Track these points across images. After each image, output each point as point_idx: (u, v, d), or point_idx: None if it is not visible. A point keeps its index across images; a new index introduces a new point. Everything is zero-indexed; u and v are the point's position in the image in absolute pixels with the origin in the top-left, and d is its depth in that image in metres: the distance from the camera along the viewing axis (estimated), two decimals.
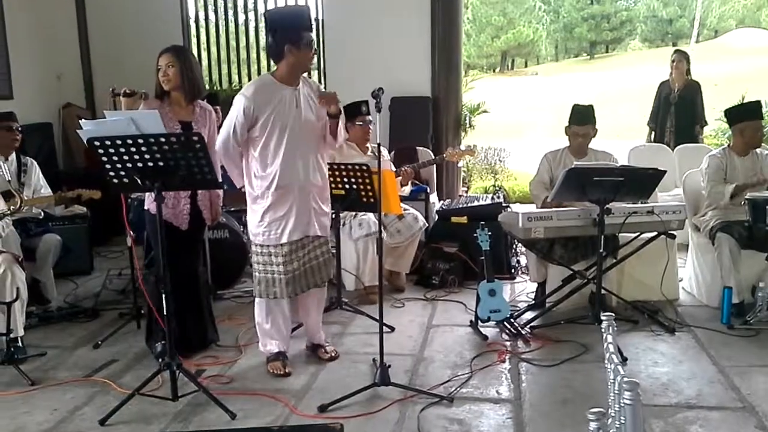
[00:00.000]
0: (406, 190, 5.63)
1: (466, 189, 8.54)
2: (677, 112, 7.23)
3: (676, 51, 7.53)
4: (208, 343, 4.23)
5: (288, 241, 3.75)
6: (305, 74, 3.93)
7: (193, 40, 8.31)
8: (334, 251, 4.60)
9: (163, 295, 3.41)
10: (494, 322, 4.41)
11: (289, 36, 3.63)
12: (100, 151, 3.18)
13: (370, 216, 5.08)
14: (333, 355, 4.06)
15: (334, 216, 4.72)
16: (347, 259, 5.12)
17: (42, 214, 5.23)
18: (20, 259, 4.27)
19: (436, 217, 5.87)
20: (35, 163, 5.36)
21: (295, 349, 4.15)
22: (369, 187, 4.37)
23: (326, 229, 3.94)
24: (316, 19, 7.90)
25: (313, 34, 3.75)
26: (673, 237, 4.57)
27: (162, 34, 7.09)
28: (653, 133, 7.51)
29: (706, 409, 3.35)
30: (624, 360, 3.87)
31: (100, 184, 4.70)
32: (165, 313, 3.43)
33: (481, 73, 36.41)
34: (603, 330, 1.84)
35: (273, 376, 3.83)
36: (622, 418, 1.52)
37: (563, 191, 4.23)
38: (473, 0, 39.64)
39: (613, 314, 1.93)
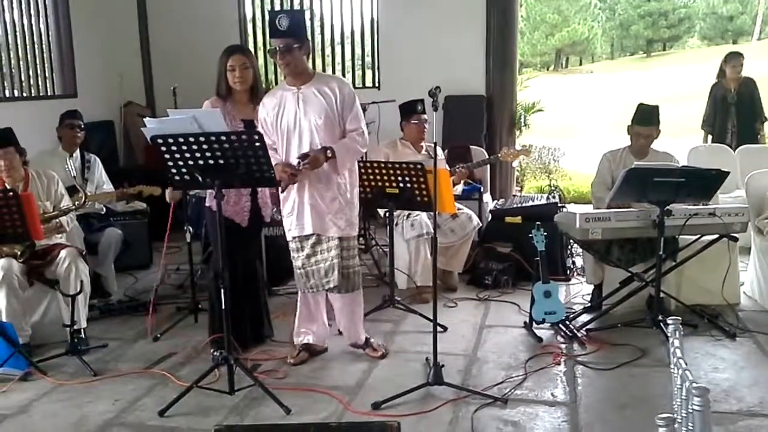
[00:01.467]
0: (459, 189, 5.62)
1: (519, 188, 8.45)
2: (738, 112, 7.03)
3: (731, 53, 7.29)
4: (263, 338, 4.28)
5: (297, 236, 3.87)
6: (319, 70, 3.92)
7: (250, 40, 8.41)
8: (379, 253, 4.60)
9: (222, 290, 3.46)
10: (549, 324, 4.37)
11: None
12: (163, 148, 3.25)
13: (423, 216, 5.07)
14: (381, 352, 4.06)
15: (387, 215, 4.75)
16: (399, 259, 5.12)
17: (104, 209, 5.40)
18: (83, 253, 4.40)
19: (490, 216, 5.83)
20: (98, 159, 5.53)
21: (346, 346, 4.17)
22: (423, 186, 4.36)
23: (332, 230, 3.82)
24: (371, 18, 7.94)
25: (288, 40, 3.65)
26: (735, 240, 4.45)
27: (219, 35, 7.22)
28: (709, 136, 7.29)
29: None
30: (685, 365, 3.78)
31: (160, 180, 4.84)
32: (223, 307, 3.49)
33: (535, 71, 35.99)
34: (669, 334, 1.80)
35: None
36: (690, 424, 1.49)
37: (623, 192, 4.16)
38: None
39: (679, 318, 1.89)
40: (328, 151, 3.69)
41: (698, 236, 4.45)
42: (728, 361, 3.92)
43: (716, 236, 4.39)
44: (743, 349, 4.09)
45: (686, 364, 3.68)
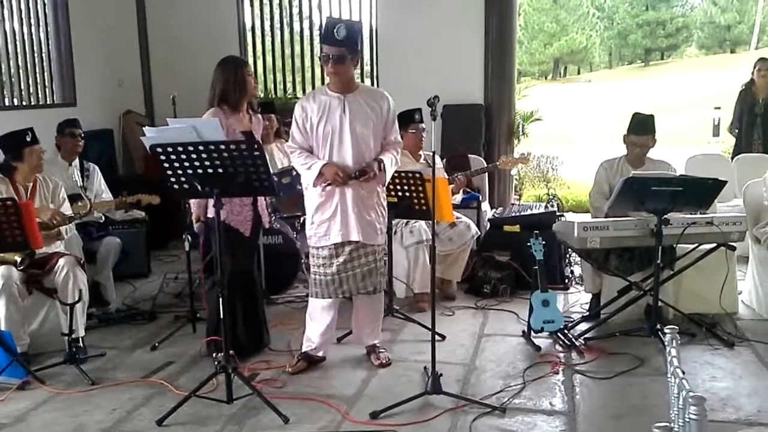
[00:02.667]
0: (457, 198, 5.62)
1: (518, 197, 8.46)
2: (764, 123, 6.90)
3: (761, 59, 7.14)
4: (262, 347, 4.28)
5: (331, 244, 3.86)
6: (363, 83, 3.99)
7: (249, 49, 8.45)
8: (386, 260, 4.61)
9: (221, 299, 3.46)
10: (547, 333, 4.37)
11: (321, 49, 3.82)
12: (162, 157, 3.27)
13: (422, 224, 5.08)
14: (384, 362, 4.07)
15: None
16: (398, 267, 5.12)
17: (103, 218, 5.40)
18: (82, 262, 4.40)
19: (488, 225, 5.84)
20: (97, 168, 5.54)
21: (347, 354, 4.18)
22: (422, 195, 4.37)
23: (373, 238, 3.90)
24: (370, 26, 7.97)
25: (336, 48, 3.71)
26: (733, 249, 4.45)
27: (219, 43, 7.25)
28: (737, 142, 7.22)
29: (767, 426, 3.25)
30: (682, 374, 3.79)
31: (158, 189, 4.85)
32: (222, 316, 3.49)
33: (533, 80, 36.09)
34: (666, 343, 1.81)
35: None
36: None
37: (620, 201, 4.17)
38: (525, 7, 39.35)
39: (676, 327, 1.90)
40: (382, 165, 3.83)
41: (696, 245, 4.46)
42: (726, 370, 3.92)
43: (714, 245, 4.40)
44: (741, 358, 4.09)
45: (683, 373, 3.70)
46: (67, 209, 4.54)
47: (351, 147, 3.80)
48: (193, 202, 4.18)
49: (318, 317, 4.03)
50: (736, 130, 7.19)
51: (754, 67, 7.02)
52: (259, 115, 4.28)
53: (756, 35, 35.05)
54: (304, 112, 3.87)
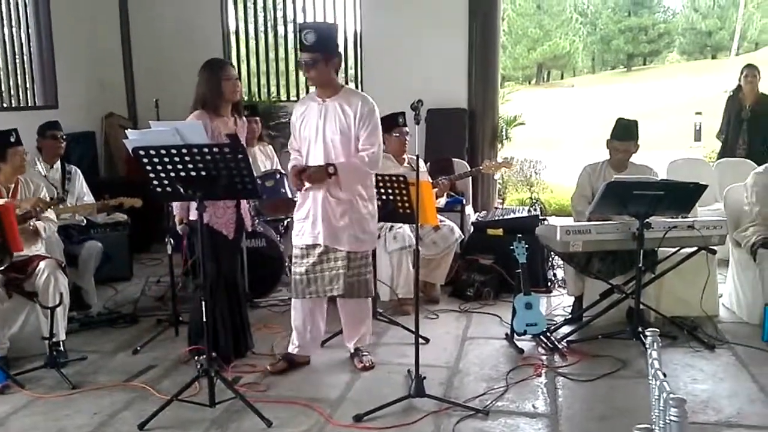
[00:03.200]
0: (441, 201, 5.63)
1: (501, 201, 8.49)
2: (750, 129, 6.96)
3: (748, 65, 7.19)
4: (245, 351, 4.27)
5: (303, 244, 3.91)
6: (349, 86, 3.99)
7: (233, 53, 8.42)
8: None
9: (203, 303, 3.45)
10: (530, 336, 4.39)
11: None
12: (145, 160, 3.25)
13: (406, 229, 5.09)
14: (367, 365, 4.07)
15: None
16: (382, 271, 5.12)
17: (84, 221, 5.37)
18: (63, 265, 4.37)
19: (472, 228, 5.86)
20: (79, 171, 5.49)
21: (331, 358, 4.18)
22: (406, 198, 4.37)
23: (342, 243, 3.84)
24: (354, 31, 7.98)
25: (307, 54, 3.72)
26: (714, 252, 4.50)
27: (203, 47, 7.23)
28: (723, 147, 7.28)
29: (747, 427, 3.29)
30: (663, 376, 3.81)
31: (141, 192, 4.83)
32: (204, 319, 3.47)
33: (517, 85, 36.26)
34: (647, 345, 1.82)
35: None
36: None
37: (603, 205, 4.20)
38: (509, 12, 39.58)
39: (657, 330, 1.91)
40: (330, 168, 3.73)
41: (677, 249, 4.49)
42: (707, 372, 3.96)
43: (695, 249, 4.44)
44: (722, 360, 4.13)
45: (664, 375, 3.72)
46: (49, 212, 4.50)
47: (322, 152, 3.81)
48: (175, 204, 4.15)
49: (294, 316, 4.08)
50: (723, 136, 7.25)
51: (741, 74, 7.08)
52: (245, 119, 4.26)
53: (736, 41, 35.51)
54: (294, 115, 3.96)
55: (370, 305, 4.22)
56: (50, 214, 4.49)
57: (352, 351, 4.18)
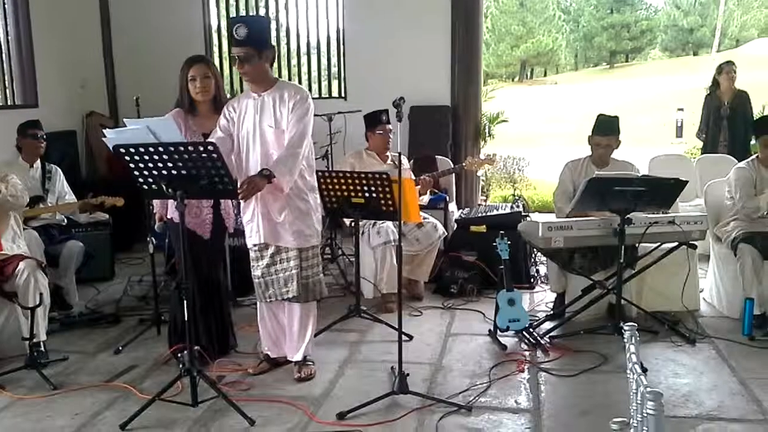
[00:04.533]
0: (425, 199, 5.64)
1: (484, 198, 8.52)
2: (730, 125, 7.02)
3: (725, 62, 7.28)
4: (228, 349, 4.25)
5: (253, 245, 3.85)
6: (283, 79, 3.89)
7: (215, 50, 8.39)
8: (344, 263, 4.59)
9: (184, 302, 3.43)
10: (513, 332, 4.40)
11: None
12: (126, 158, 3.23)
13: (389, 224, 5.08)
14: (303, 375, 3.88)
15: (352, 224, 4.76)
16: (365, 267, 5.13)
17: (65, 220, 5.32)
18: (43, 265, 4.33)
19: (455, 225, 5.87)
20: (59, 170, 5.44)
21: (314, 356, 4.15)
22: (389, 196, 4.37)
23: (283, 239, 3.75)
24: (337, 28, 7.97)
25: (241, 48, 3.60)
26: (695, 247, 4.54)
27: (184, 44, 7.18)
28: (704, 145, 7.34)
29: (728, 421, 3.32)
30: (644, 370, 3.82)
31: (123, 191, 4.80)
32: (185, 319, 3.45)
33: (500, 82, 36.36)
34: (625, 340, 1.84)
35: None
36: (644, 428, 1.51)
37: (584, 201, 4.22)
38: (492, 9, 39.68)
39: (636, 324, 1.93)
40: (264, 171, 3.52)
41: (658, 244, 4.53)
42: (688, 366, 3.99)
43: (676, 244, 4.47)
44: (703, 354, 4.16)
45: (644, 369, 3.76)
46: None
47: (259, 147, 3.70)
48: (155, 201, 4.10)
49: (259, 319, 4.02)
50: (704, 135, 7.29)
51: (720, 70, 7.12)
52: None
53: (717, 38, 35.81)
54: (227, 112, 3.79)
55: (315, 311, 3.99)
56: (12, 177, 4.39)
57: (299, 360, 3.94)
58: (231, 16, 8.31)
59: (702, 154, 7.29)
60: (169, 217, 3.98)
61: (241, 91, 8.25)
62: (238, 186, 3.43)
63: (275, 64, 3.84)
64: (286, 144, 3.62)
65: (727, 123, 7.01)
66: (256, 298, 3.96)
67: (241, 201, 3.65)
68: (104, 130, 3.42)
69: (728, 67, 7.08)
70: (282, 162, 3.57)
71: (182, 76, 3.90)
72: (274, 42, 3.91)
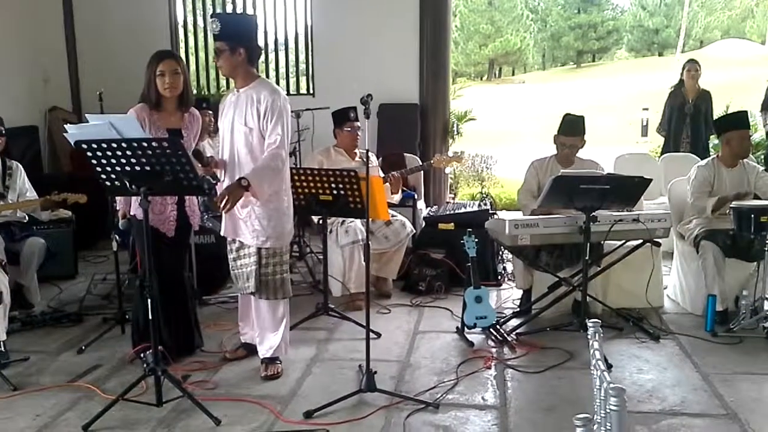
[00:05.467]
0: (396, 198, 5.63)
1: (453, 196, 8.55)
2: (693, 123, 7.09)
3: (689, 60, 7.36)
4: (193, 348, 4.20)
5: (227, 240, 3.96)
6: (265, 78, 3.92)
7: (181, 45, 8.29)
8: (313, 261, 4.57)
9: (148, 300, 3.38)
10: (480, 329, 4.42)
11: None
12: (89, 154, 3.18)
13: (357, 223, 5.07)
14: (269, 374, 3.86)
15: (320, 222, 4.73)
16: (333, 266, 5.10)
17: (26, 218, 5.20)
18: (4, 263, 4.24)
19: (424, 223, 5.87)
20: (20, 166, 5.32)
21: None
22: (357, 193, 4.36)
23: (244, 236, 3.80)
24: (305, 25, 7.94)
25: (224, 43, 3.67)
26: (658, 245, 4.60)
27: (150, 38, 7.09)
28: (666, 141, 7.40)
29: (690, 416, 3.37)
30: (609, 367, 3.89)
31: (86, 188, 4.71)
32: (150, 317, 3.41)
33: (468, 81, 36.51)
34: (589, 337, 1.85)
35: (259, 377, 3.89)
36: (608, 424, 1.53)
37: (550, 199, 4.25)
38: (461, 8, 39.83)
39: (599, 321, 1.94)
40: (243, 181, 3.53)
41: (623, 241, 4.58)
42: (652, 362, 4.05)
43: (640, 241, 4.53)
44: (666, 350, 4.23)
45: (610, 365, 3.80)
46: None
47: (229, 143, 3.81)
48: (119, 198, 4.04)
49: (239, 308, 4.16)
50: (665, 132, 7.38)
51: (683, 68, 7.22)
52: (197, 112, 4.09)
53: (682, 39, 36.36)
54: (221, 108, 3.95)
55: (286, 311, 3.94)
56: None
57: (266, 358, 3.93)
58: (198, 10, 8.24)
59: (663, 150, 7.37)
60: (132, 213, 3.92)
61: (208, 89, 8.21)
62: (216, 199, 3.56)
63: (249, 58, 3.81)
64: (265, 153, 3.65)
65: (690, 121, 7.11)
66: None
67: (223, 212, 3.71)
68: (66, 126, 3.35)
69: (691, 65, 7.18)
70: (260, 174, 3.59)
71: (150, 71, 3.82)
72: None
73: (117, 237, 4.58)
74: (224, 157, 3.84)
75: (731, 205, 4.45)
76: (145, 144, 3.14)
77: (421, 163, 6.46)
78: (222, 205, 3.49)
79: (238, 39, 3.70)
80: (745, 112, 5.22)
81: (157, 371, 3.39)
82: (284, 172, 3.82)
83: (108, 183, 3.31)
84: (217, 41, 3.69)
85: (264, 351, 3.94)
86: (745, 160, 4.93)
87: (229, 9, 8.27)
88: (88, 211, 5.15)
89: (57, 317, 4.87)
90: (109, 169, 3.23)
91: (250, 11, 8.18)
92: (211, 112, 5.66)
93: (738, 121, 4.96)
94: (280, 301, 3.89)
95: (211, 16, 3.78)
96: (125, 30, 7.67)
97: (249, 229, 3.77)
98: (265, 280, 3.80)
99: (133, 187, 3.25)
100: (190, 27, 8.47)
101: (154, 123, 3.81)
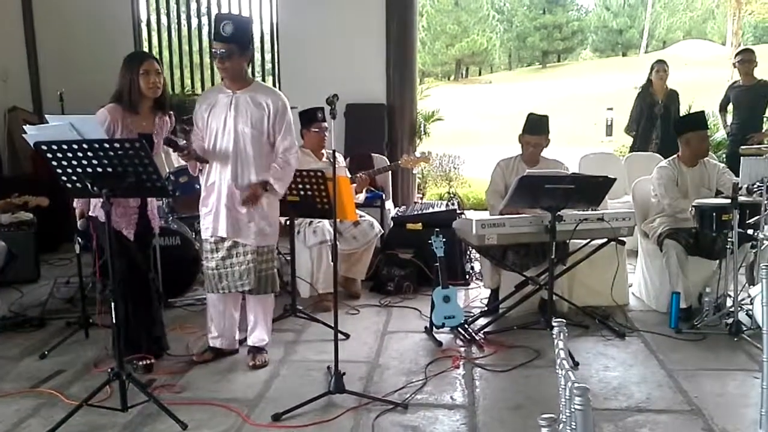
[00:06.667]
0: (361, 197, 5.63)
1: (421, 196, 8.57)
2: (663, 124, 7.09)
3: (658, 61, 7.36)
4: (160, 352, 4.14)
5: (210, 238, 3.92)
6: (258, 80, 3.96)
7: (145, 44, 8.18)
8: (280, 262, 4.56)
9: (112, 303, 3.32)
10: (449, 328, 4.44)
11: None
12: (49, 155, 3.11)
13: (325, 223, 5.05)
14: (258, 363, 4.01)
15: (287, 223, 4.71)
16: (301, 267, 5.08)
17: None
18: None
19: (392, 223, 5.88)
20: None
21: (247, 357, 4.10)
22: (324, 194, 4.35)
23: (245, 236, 3.88)
24: (271, 23, 7.89)
25: (224, 45, 3.72)
26: (623, 243, 4.66)
27: (113, 37, 6.99)
28: (634, 141, 7.41)
29: (655, 412, 3.41)
30: (575, 365, 3.93)
31: (48, 190, 4.62)
32: (114, 321, 3.35)
33: (435, 81, 36.66)
34: (554, 336, 1.86)
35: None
36: (573, 423, 1.54)
37: (516, 199, 4.27)
38: (428, 8, 39.95)
39: (565, 320, 1.96)
40: (267, 186, 3.82)
41: (588, 240, 4.63)
42: (618, 359, 4.09)
43: (605, 240, 4.58)
44: (632, 347, 4.28)
45: (576, 363, 3.84)
46: None
47: (232, 143, 3.82)
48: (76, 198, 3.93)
49: (210, 310, 4.10)
50: (633, 132, 7.42)
51: (652, 69, 7.20)
52: (167, 117, 4.00)
53: (645, 39, 36.92)
54: (199, 105, 3.94)
55: (272, 301, 4.17)
56: None
57: (253, 347, 4.11)
58: (162, 9, 8.14)
59: (631, 151, 7.41)
60: (93, 214, 3.82)
61: (173, 87, 8.10)
62: (243, 199, 3.79)
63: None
64: (284, 159, 3.87)
65: (661, 122, 7.13)
66: (206, 289, 4.02)
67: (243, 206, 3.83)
68: (25, 127, 3.28)
69: (659, 65, 7.19)
70: (279, 174, 3.86)
71: (130, 71, 3.72)
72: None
73: (80, 240, 4.50)
74: (221, 156, 3.85)
75: (693, 204, 4.52)
76: (107, 145, 3.09)
77: (389, 163, 6.46)
78: (245, 204, 3.78)
79: (247, 42, 3.80)
80: (703, 112, 5.30)
81: (122, 375, 3.34)
82: None
83: (69, 185, 3.25)
84: (228, 43, 3.70)
85: (254, 341, 4.09)
86: (705, 158, 5.01)
87: (193, 8, 8.18)
88: (50, 213, 5.06)
89: (18, 322, 4.77)
90: (69, 170, 3.17)
91: (214, 10, 8.11)
92: (171, 113, 5.57)
93: (697, 122, 5.03)
94: (269, 295, 4.04)
95: (221, 17, 3.75)
96: (88, 28, 7.54)
97: (252, 230, 3.87)
98: (260, 276, 3.93)
99: (95, 188, 3.19)
100: (154, 26, 8.35)
101: (127, 126, 3.73)
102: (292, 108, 6.01)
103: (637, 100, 7.35)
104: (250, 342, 4.12)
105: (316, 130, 5.32)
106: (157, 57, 8.11)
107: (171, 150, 4.52)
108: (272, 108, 3.82)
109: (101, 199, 3.21)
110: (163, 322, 4.25)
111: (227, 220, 3.85)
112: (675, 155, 5.08)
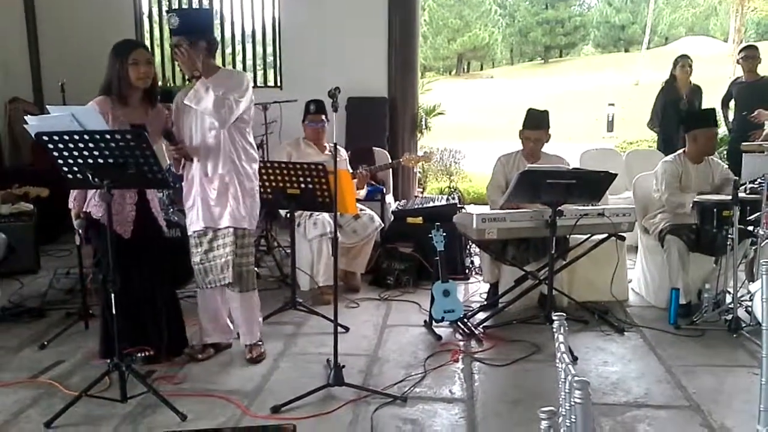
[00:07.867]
0: (362, 193, 5.62)
1: (421, 190, 8.57)
2: None
3: (682, 56, 7.24)
4: (181, 349, 4.05)
5: (193, 232, 3.89)
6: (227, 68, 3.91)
7: (146, 36, 8.16)
8: (281, 254, 4.54)
9: (112, 295, 3.32)
10: (448, 322, 4.44)
11: None
12: (50, 146, 3.11)
13: (325, 216, 5.05)
14: (254, 356, 4.00)
15: (288, 216, 4.70)
16: (302, 260, 5.09)
17: None
18: None
19: (392, 217, 5.87)
20: None
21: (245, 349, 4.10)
22: (324, 187, 4.34)
23: (216, 221, 3.80)
24: (273, 17, 7.87)
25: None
26: (623, 239, 4.66)
27: (114, 29, 6.94)
28: (660, 137, 7.27)
29: (654, 407, 3.42)
30: (574, 359, 3.94)
31: (47, 181, 4.62)
32: (114, 312, 3.35)
33: (437, 75, 36.63)
34: (554, 330, 1.86)
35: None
36: (572, 416, 1.54)
37: (517, 193, 4.27)
38: (430, 2, 39.90)
39: (564, 314, 1.96)
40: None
41: (588, 235, 4.63)
42: (617, 354, 4.10)
43: (605, 235, 4.58)
44: (631, 343, 4.28)
45: (575, 358, 3.84)
46: None
47: (200, 136, 3.81)
48: (71, 197, 3.83)
49: (200, 307, 4.08)
50: (657, 128, 7.28)
51: (675, 63, 7.08)
52: (161, 108, 3.92)
53: (647, 35, 36.82)
54: (177, 98, 3.92)
55: (258, 299, 4.05)
56: None
57: (253, 343, 4.07)
58: (164, 0, 8.12)
59: (660, 147, 7.21)
60: (87, 210, 3.73)
61: (174, 80, 8.10)
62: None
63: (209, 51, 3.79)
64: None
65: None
66: (197, 286, 3.98)
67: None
68: (26, 117, 3.28)
69: (683, 60, 7.06)
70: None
71: (118, 61, 3.63)
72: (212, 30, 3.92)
73: (80, 231, 4.49)
74: (193, 146, 3.83)
75: (694, 200, 4.52)
76: (108, 136, 3.08)
77: (390, 157, 6.45)
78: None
79: (197, 33, 3.70)
80: (713, 110, 5.24)
81: (122, 366, 3.34)
82: (252, 155, 3.92)
83: (70, 176, 3.24)
84: (177, 35, 3.68)
85: (246, 339, 4.05)
86: (710, 156, 5.01)
87: (194, 2, 8.16)
88: (50, 204, 5.05)
89: (18, 312, 4.78)
90: (71, 161, 3.17)
91: (217, 3, 8.09)
92: (171, 105, 5.57)
93: (705, 119, 4.99)
94: (252, 291, 3.96)
95: (167, 12, 3.76)
96: (89, 19, 7.53)
97: (225, 210, 3.80)
98: (239, 271, 3.83)
99: (96, 180, 3.18)
100: (156, 18, 8.34)
101: (117, 118, 3.64)
102: (292, 101, 6.09)
103: (660, 95, 7.21)
104: (242, 341, 4.09)
105: (312, 123, 5.31)
106: (158, 49, 8.16)
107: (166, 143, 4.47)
108: (227, 93, 3.66)
109: (96, 197, 3.20)
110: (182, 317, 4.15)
111: (202, 210, 3.82)
112: (681, 150, 5.06)
